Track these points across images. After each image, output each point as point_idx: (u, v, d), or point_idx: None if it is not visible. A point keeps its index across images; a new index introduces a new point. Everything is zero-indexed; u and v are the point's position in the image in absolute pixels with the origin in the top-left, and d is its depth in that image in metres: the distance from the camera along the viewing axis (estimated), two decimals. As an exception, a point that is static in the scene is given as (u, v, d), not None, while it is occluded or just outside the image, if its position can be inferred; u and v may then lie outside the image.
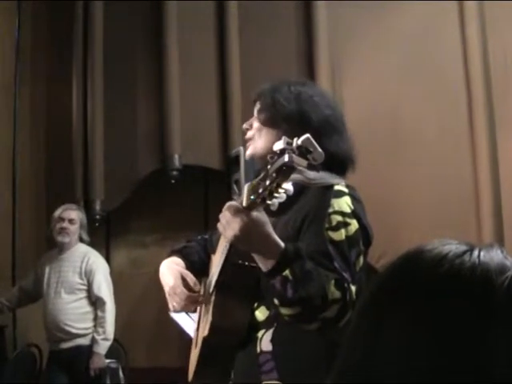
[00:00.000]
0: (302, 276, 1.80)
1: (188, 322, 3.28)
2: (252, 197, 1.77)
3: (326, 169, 2.05)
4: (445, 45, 5.18)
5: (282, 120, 2.10)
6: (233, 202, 1.89)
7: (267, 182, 1.70)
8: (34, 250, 5.74)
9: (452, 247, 0.73)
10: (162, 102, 5.48)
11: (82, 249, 4.94)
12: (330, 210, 1.94)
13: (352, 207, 1.96)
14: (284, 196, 1.75)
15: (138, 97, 5.64)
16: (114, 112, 5.63)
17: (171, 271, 2.22)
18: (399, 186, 5.06)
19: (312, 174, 2.04)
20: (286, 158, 1.66)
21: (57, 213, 4.92)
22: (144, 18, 5.72)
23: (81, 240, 4.97)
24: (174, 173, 5.32)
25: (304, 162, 1.71)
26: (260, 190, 1.73)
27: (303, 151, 1.72)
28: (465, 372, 0.66)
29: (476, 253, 0.72)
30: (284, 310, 1.84)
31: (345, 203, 1.96)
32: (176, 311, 2.23)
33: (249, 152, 2.18)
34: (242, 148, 4.41)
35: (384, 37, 5.30)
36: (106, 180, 5.56)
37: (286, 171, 1.68)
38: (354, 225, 1.93)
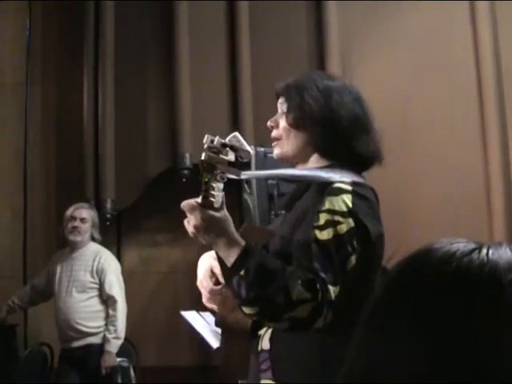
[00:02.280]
0: (258, 276, 1.78)
1: (199, 321, 3.28)
2: (200, 197, 1.84)
3: (347, 166, 2.03)
4: (456, 43, 5.17)
5: (311, 122, 2.06)
6: (188, 200, 1.90)
7: (202, 182, 1.81)
8: (44, 249, 5.75)
9: (460, 245, 0.73)
10: (173, 101, 5.49)
11: (94, 248, 4.95)
12: (321, 208, 1.89)
13: (350, 205, 1.88)
14: (219, 193, 1.83)
15: (149, 96, 5.65)
16: (124, 111, 5.64)
17: (203, 264, 2.21)
18: (409, 184, 5.05)
19: (301, 172, 2.06)
20: (202, 156, 1.80)
21: (68, 211, 4.94)
22: (155, 18, 5.73)
23: (93, 239, 4.98)
24: (185, 172, 5.33)
25: (223, 160, 1.81)
26: (202, 189, 1.82)
27: (227, 149, 1.82)
28: (472, 372, 0.65)
29: (484, 251, 0.71)
30: (244, 310, 1.83)
31: (340, 201, 1.89)
32: (207, 305, 2.22)
33: (276, 152, 2.14)
34: (252, 146, 4.42)
35: (395, 36, 5.29)
36: (116, 179, 5.58)
37: (206, 169, 1.80)
38: (348, 224, 1.86)
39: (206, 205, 1.83)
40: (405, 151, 5.11)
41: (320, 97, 2.06)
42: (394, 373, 0.69)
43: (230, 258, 1.85)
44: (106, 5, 5.74)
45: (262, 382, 1.99)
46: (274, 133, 2.15)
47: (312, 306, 1.75)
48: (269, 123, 2.17)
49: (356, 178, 1.99)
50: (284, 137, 2.11)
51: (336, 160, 2.05)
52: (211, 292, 2.14)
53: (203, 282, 2.16)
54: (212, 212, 1.84)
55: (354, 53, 5.36)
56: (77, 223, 4.89)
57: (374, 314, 0.76)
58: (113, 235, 5.79)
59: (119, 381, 4.74)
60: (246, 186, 4.76)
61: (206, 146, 1.82)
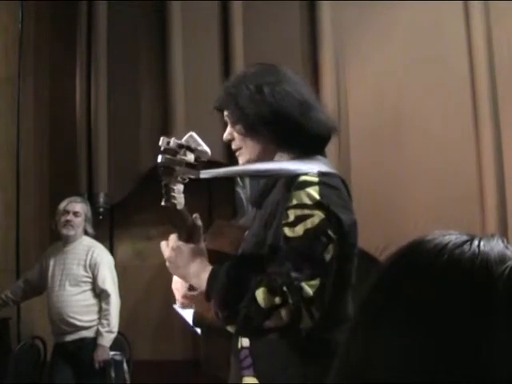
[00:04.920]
0: (226, 294, 1.82)
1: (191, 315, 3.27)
2: (163, 200, 1.87)
3: (308, 153, 2.03)
4: (449, 38, 5.17)
5: (259, 125, 2.03)
6: (173, 235, 2.00)
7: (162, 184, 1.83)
8: (37, 243, 5.75)
9: (452, 238, 0.73)
10: (166, 95, 5.49)
11: (87, 241, 4.94)
12: (289, 205, 1.88)
13: (317, 197, 1.86)
14: (180, 195, 1.85)
15: (142, 88, 5.64)
16: (117, 105, 5.64)
17: None
18: (403, 178, 5.05)
19: (266, 165, 2.05)
20: (159, 159, 1.81)
21: (62, 205, 4.93)
22: (148, 10, 5.72)
23: (86, 233, 4.98)
24: (178, 166, 5.32)
25: (180, 162, 1.81)
26: (163, 191, 1.84)
27: (183, 150, 1.82)
28: (465, 369, 0.65)
29: (476, 243, 0.71)
30: (228, 329, 1.86)
31: (307, 195, 1.87)
32: (181, 307, 2.24)
33: (241, 162, 2.13)
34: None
35: (388, 30, 5.29)
36: (109, 173, 5.57)
37: (164, 172, 1.81)
38: (318, 215, 1.84)
39: (169, 208, 1.86)
40: (398, 146, 5.12)
41: (254, 96, 2.03)
42: (384, 373, 0.68)
43: (203, 287, 1.91)
44: (99, -3, 5.74)
45: (245, 379, 2.00)
46: (233, 145, 2.13)
47: (287, 310, 1.74)
48: (225, 137, 2.14)
49: (323, 168, 1.97)
50: (243, 148, 2.09)
51: (299, 149, 2.05)
52: (184, 297, 2.14)
53: (177, 285, 2.17)
54: (180, 243, 1.94)
55: (347, 50, 5.35)
56: (70, 217, 4.88)
57: (366, 306, 0.75)
58: (106, 229, 5.79)
59: (112, 374, 4.74)
60: (238, 179, 4.76)
61: (162, 149, 1.82)
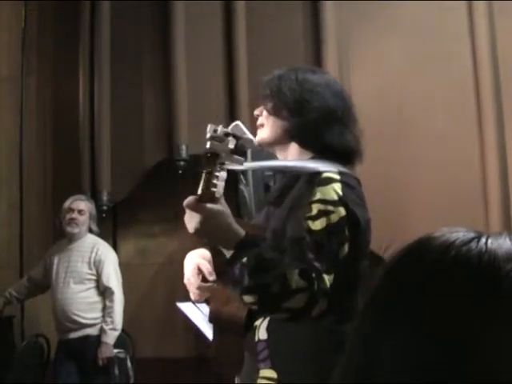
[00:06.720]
0: (259, 264, 1.80)
1: (195, 313, 3.28)
2: (201, 187, 1.84)
3: (324, 158, 2.05)
4: (453, 34, 5.16)
5: (285, 109, 2.13)
6: (190, 197, 1.87)
7: (204, 171, 1.82)
8: (41, 241, 5.76)
9: (460, 234, 0.72)
10: (169, 92, 5.47)
11: (91, 239, 4.96)
12: (313, 199, 1.93)
13: (340, 194, 1.93)
14: (222, 183, 1.83)
15: (145, 87, 5.64)
16: (120, 102, 5.63)
17: (190, 262, 2.22)
18: (406, 176, 5.05)
19: (291, 163, 2.10)
20: (208, 145, 1.82)
21: (66, 203, 4.95)
22: (151, 8, 5.71)
23: (90, 231, 5.00)
24: (181, 163, 5.32)
25: (227, 149, 1.82)
26: (203, 180, 1.83)
27: (229, 138, 1.83)
28: (470, 367, 0.64)
29: (483, 240, 0.71)
30: (244, 298, 1.83)
31: (331, 191, 1.93)
32: (195, 301, 2.26)
33: (257, 138, 2.22)
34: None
35: (392, 29, 5.28)
36: (112, 171, 5.57)
37: (210, 158, 1.81)
38: (339, 213, 1.90)
39: (207, 195, 1.83)
40: (401, 143, 5.11)
41: (295, 87, 2.13)
42: (388, 372, 0.68)
43: (230, 249, 1.86)
44: (102, -4, 5.74)
45: (262, 372, 2.02)
46: (259, 121, 2.23)
47: (308, 295, 1.78)
48: (255, 112, 2.26)
49: (341, 168, 2.02)
50: (265, 124, 2.19)
51: (315, 152, 2.10)
52: (199, 288, 2.15)
53: (191, 279, 2.17)
54: (210, 206, 1.83)
55: (351, 49, 5.34)
56: (74, 215, 4.90)
57: (372, 304, 0.75)
58: (109, 227, 5.79)
59: (116, 372, 4.75)
60: (241, 176, 4.76)
61: (208, 136, 1.84)
